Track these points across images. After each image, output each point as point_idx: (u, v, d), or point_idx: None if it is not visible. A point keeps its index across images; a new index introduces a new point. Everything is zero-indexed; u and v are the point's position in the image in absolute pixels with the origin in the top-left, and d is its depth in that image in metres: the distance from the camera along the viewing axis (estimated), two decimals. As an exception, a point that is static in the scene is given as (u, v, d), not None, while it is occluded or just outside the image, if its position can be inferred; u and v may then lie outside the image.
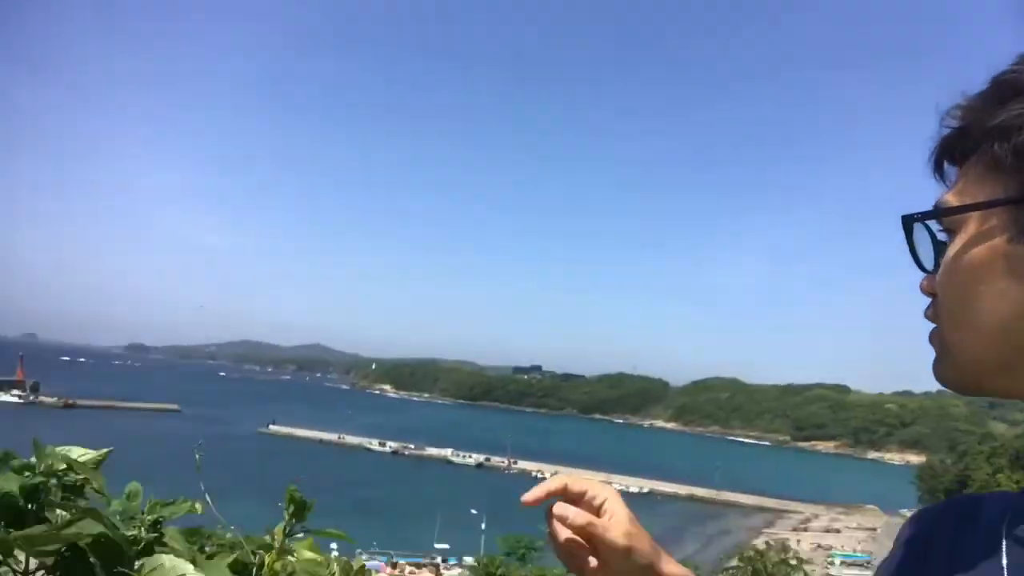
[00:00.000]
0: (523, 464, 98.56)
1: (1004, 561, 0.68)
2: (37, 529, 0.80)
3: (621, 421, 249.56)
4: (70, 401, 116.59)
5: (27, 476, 0.93)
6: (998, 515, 0.72)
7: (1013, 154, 0.63)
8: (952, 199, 0.69)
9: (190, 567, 0.87)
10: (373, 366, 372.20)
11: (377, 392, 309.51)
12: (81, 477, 1.01)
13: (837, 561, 53.91)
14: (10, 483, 0.90)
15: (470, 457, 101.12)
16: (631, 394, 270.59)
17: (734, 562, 31.44)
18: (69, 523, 0.84)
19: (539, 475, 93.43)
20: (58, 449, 1.02)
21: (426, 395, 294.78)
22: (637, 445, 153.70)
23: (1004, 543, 0.69)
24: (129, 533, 0.93)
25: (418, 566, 42.59)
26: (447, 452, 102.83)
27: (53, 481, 0.96)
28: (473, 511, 49.60)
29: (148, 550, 0.94)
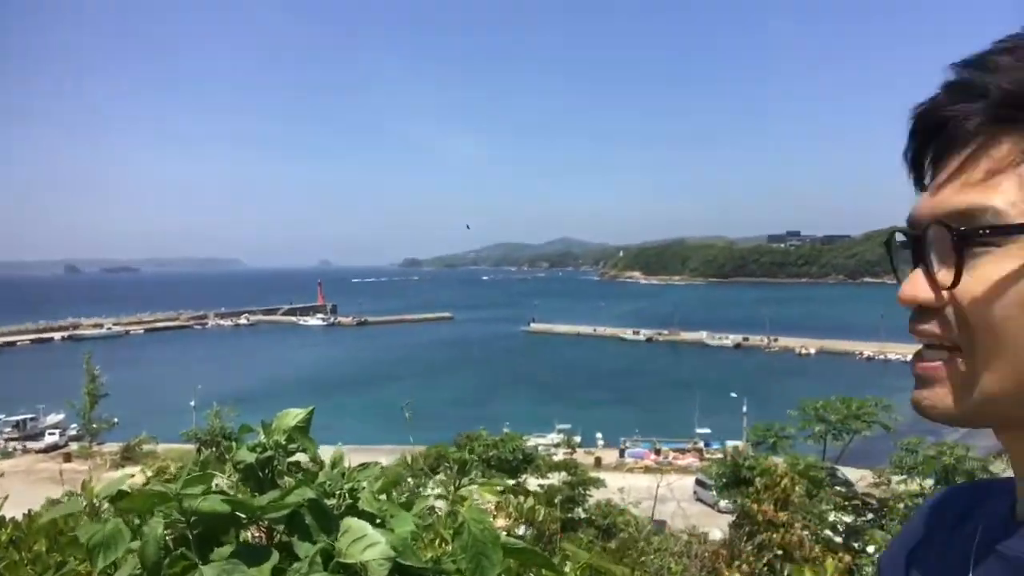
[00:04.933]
0: (784, 341, 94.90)
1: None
2: (268, 496, 1.10)
3: (895, 284, 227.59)
4: (363, 319, 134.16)
5: (259, 450, 1.23)
6: (986, 515, 0.70)
7: None
8: (1010, 209, 0.56)
9: (370, 529, 1.09)
10: (620, 254, 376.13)
11: (627, 279, 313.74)
12: (299, 445, 1.27)
13: None
14: (248, 456, 1.22)
15: (727, 338, 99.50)
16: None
17: None
18: (290, 491, 1.11)
19: (803, 351, 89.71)
20: (278, 415, 1.28)
21: (676, 278, 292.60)
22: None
23: (972, 556, 0.67)
24: (330, 502, 1.20)
25: (682, 451, 43.92)
26: (702, 335, 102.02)
27: (280, 451, 1.24)
28: (733, 394, 49.43)
29: (349, 512, 1.21)
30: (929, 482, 19.96)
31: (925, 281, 0.61)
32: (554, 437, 44.46)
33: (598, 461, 41.58)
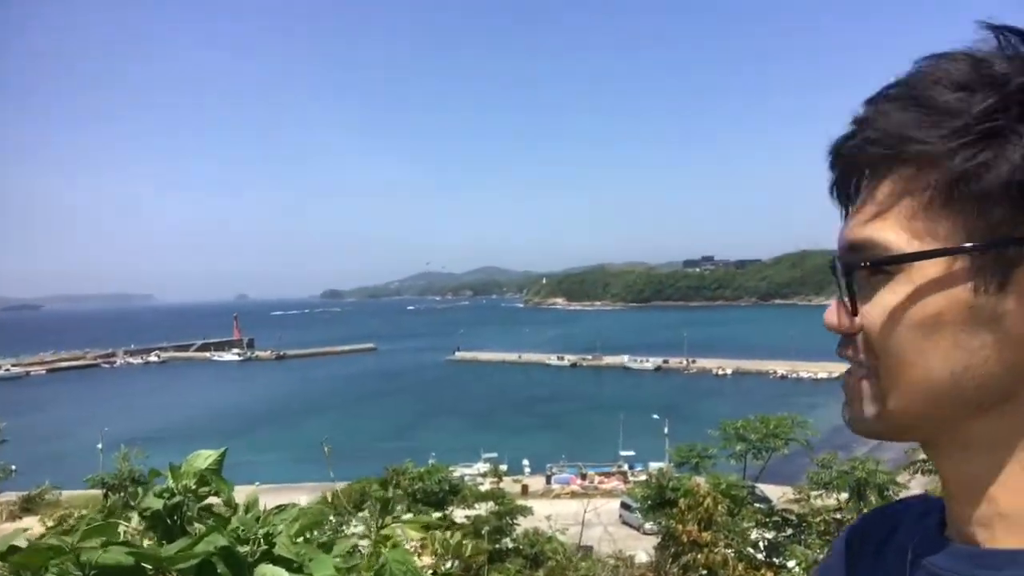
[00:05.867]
0: (702, 362, 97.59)
1: None
2: (176, 545, 1.01)
3: (804, 304, 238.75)
4: (281, 353, 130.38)
5: (167, 495, 1.16)
6: (913, 534, 0.71)
7: (978, 197, 0.56)
8: (896, 239, 0.59)
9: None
10: (544, 281, 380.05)
11: (550, 306, 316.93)
12: (211, 488, 1.20)
13: None
14: (155, 503, 1.14)
15: (647, 361, 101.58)
16: (813, 273, 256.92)
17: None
18: (200, 539, 1.03)
19: (720, 372, 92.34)
20: (188, 457, 1.20)
21: (598, 303, 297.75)
22: (822, 327, 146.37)
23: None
24: (244, 549, 1.11)
25: (607, 475, 44.27)
26: (624, 359, 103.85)
27: (190, 496, 1.17)
28: (655, 416, 50.31)
29: (264, 558, 1.13)
30: (844, 496, 20.71)
31: (841, 309, 0.64)
32: (480, 466, 44.09)
33: (525, 489, 41.42)
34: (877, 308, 0.61)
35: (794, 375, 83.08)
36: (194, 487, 1.18)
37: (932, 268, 0.57)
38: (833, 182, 0.66)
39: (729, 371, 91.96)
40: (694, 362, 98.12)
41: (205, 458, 1.20)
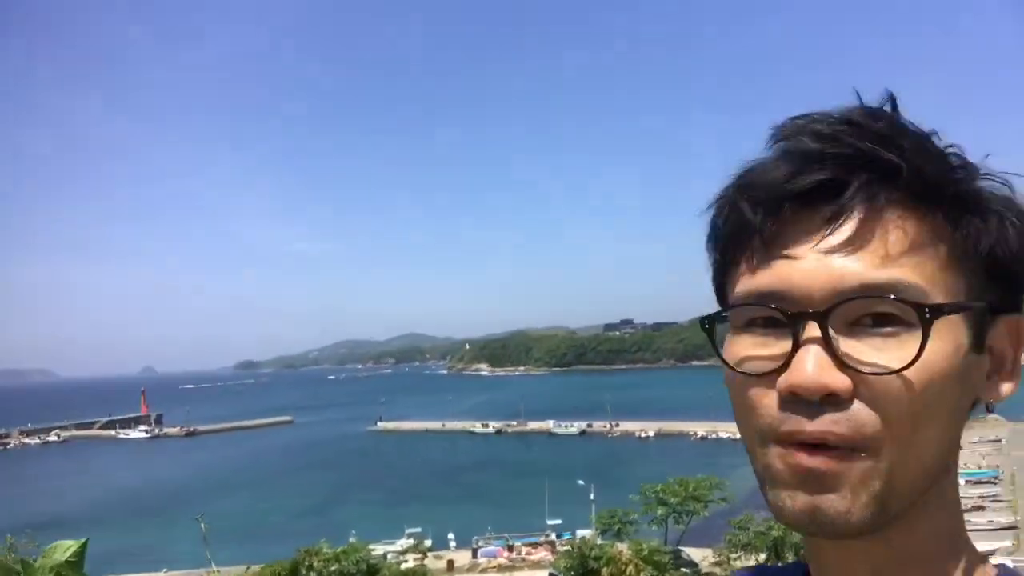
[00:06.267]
0: (625, 425, 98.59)
1: None
2: None
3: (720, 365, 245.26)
4: (191, 429, 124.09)
5: None
6: None
7: (979, 259, 0.55)
8: (927, 288, 0.53)
9: None
10: (467, 347, 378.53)
11: (474, 372, 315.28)
12: None
13: (962, 480, 51.91)
14: None
15: (572, 426, 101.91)
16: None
17: None
18: None
19: (643, 435, 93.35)
20: (45, 549, 1.06)
21: (521, 368, 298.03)
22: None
23: None
24: None
25: (534, 545, 43.62)
26: (549, 424, 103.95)
27: None
28: (580, 482, 50.19)
29: None
30: (763, 556, 21.09)
31: (832, 365, 0.52)
32: (404, 542, 42.79)
33: (450, 564, 40.38)
34: (892, 362, 0.51)
35: (714, 435, 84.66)
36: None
37: (947, 324, 0.53)
38: (800, 192, 0.55)
39: (651, 433, 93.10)
40: (617, 425, 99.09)
41: (64, 550, 1.09)
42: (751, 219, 0.56)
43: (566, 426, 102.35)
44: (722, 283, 0.62)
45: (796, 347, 0.53)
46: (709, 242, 0.62)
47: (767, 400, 0.54)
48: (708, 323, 0.60)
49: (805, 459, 0.52)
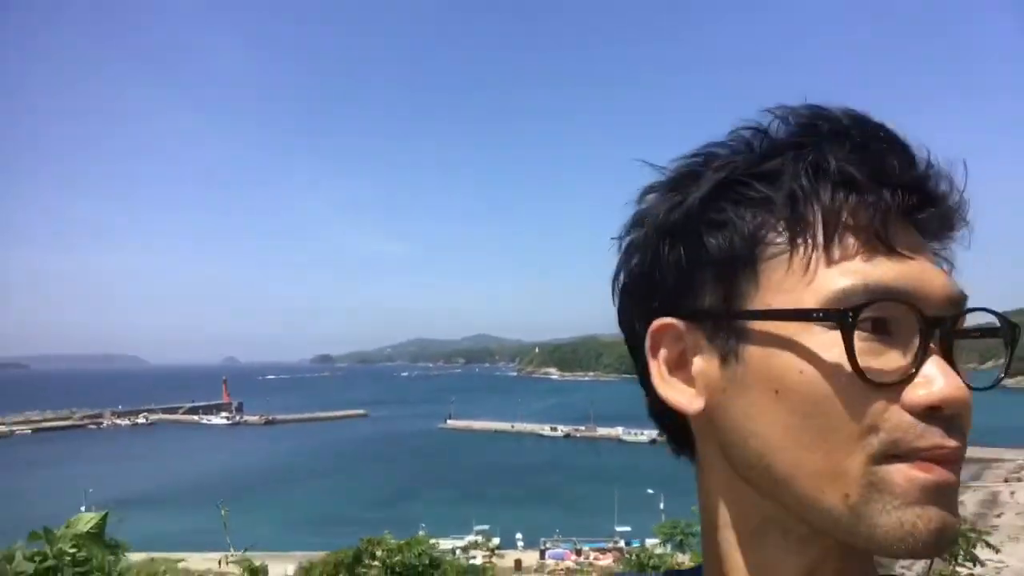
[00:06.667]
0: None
1: None
2: None
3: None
4: (270, 418, 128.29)
5: (39, 560, 1.06)
6: None
7: None
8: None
9: None
10: (536, 350, 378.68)
11: (543, 376, 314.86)
12: (85, 554, 1.09)
13: None
14: (27, 566, 1.05)
15: (642, 434, 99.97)
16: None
17: None
18: None
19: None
20: (69, 520, 1.07)
21: (591, 374, 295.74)
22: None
23: None
24: None
25: (602, 551, 43.01)
26: (618, 431, 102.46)
27: (67, 559, 1.07)
28: (650, 490, 49.27)
29: None
30: None
31: (959, 378, 0.48)
32: (472, 539, 42.88)
33: (518, 564, 40.23)
34: (967, 379, 0.48)
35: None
36: (71, 551, 1.10)
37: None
38: (912, 214, 0.51)
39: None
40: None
41: (86, 521, 1.15)
42: (889, 203, 0.49)
43: (636, 433, 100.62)
44: (748, 261, 0.52)
45: (925, 356, 0.48)
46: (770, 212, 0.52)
47: (890, 412, 0.47)
48: (852, 317, 0.47)
49: (945, 475, 0.47)
